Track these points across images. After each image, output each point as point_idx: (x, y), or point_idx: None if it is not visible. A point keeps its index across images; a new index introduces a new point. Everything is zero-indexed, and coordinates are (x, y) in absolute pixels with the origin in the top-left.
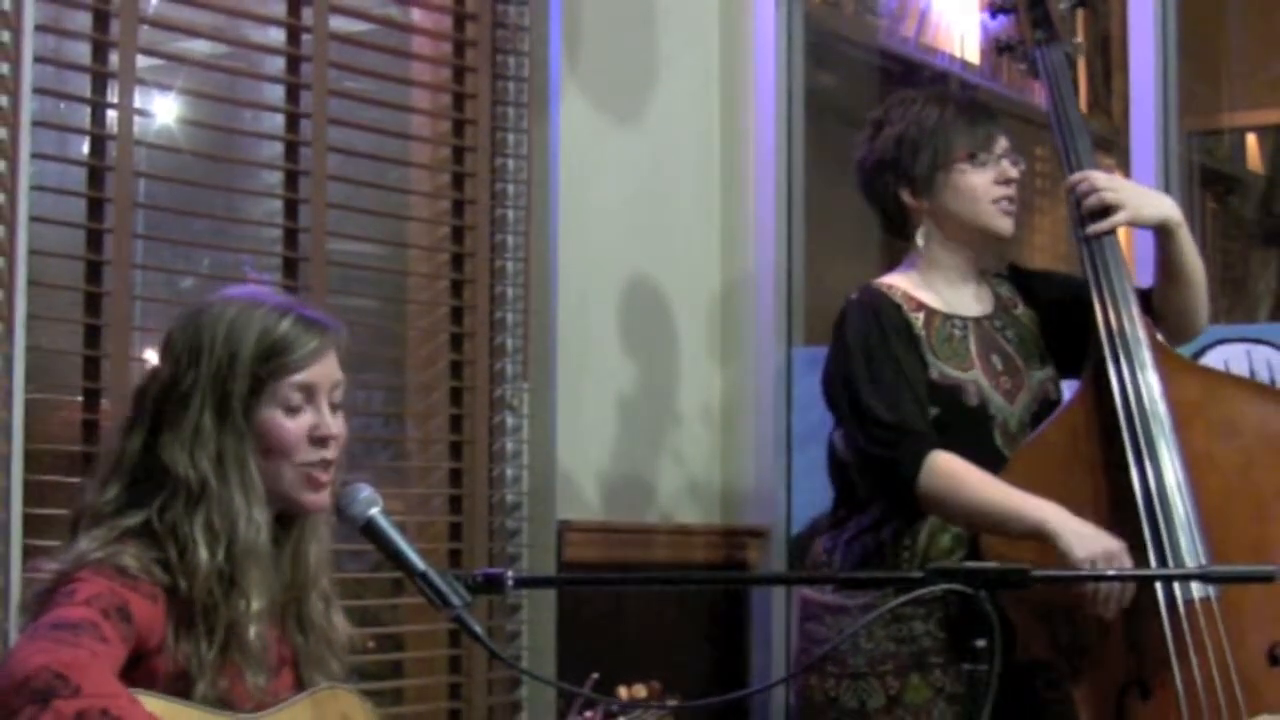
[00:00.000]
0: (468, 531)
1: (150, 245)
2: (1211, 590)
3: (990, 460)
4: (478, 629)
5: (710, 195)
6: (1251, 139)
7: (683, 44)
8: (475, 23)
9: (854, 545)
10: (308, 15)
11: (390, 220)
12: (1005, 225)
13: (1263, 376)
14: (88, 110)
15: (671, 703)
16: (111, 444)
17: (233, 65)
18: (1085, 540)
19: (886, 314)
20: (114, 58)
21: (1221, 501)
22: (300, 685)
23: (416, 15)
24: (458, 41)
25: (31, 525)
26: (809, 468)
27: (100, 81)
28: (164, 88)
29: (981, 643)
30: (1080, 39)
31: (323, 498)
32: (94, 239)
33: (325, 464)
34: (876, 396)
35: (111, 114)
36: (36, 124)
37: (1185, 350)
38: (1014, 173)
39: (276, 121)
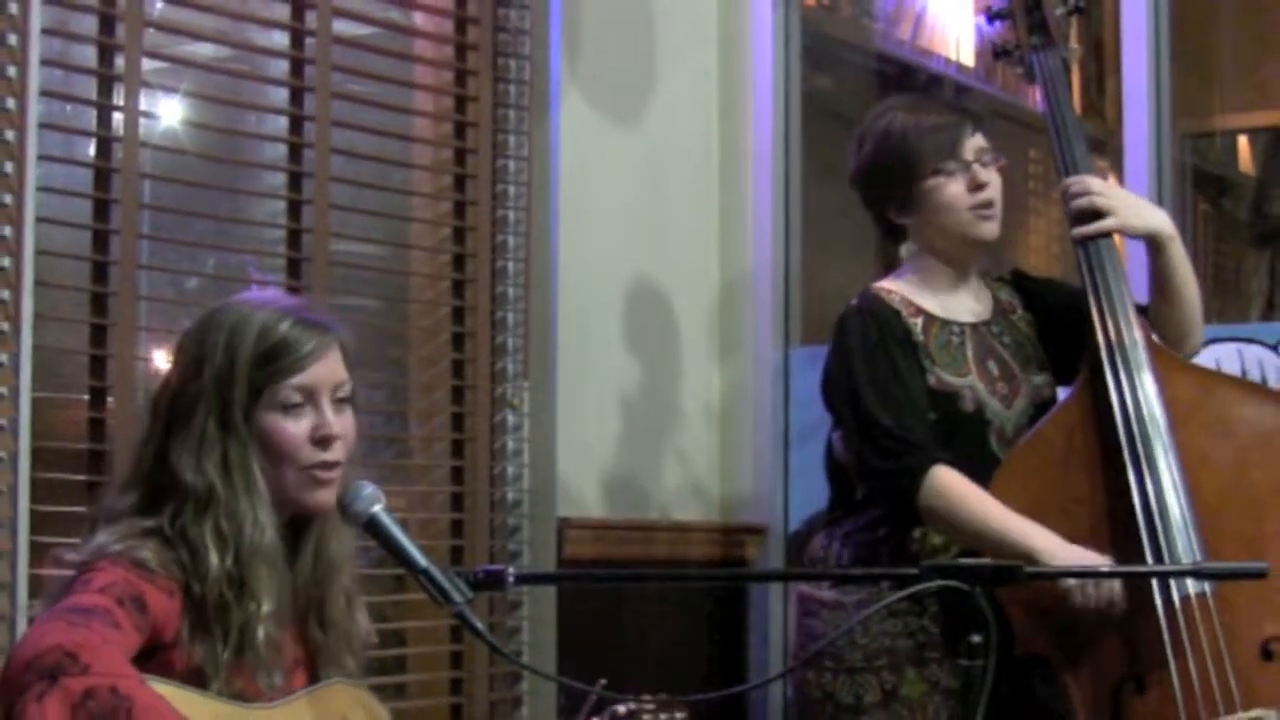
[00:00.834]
0: (469, 528)
1: (155, 246)
2: (1206, 587)
3: (986, 465)
4: (479, 625)
5: (709, 196)
6: (1243, 141)
7: (681, 47)
8: (476, 26)
9: (851, 542)
10: (311, 19)
11: (392, 221)
12: (986, 230)
13: (1254, 375)
14: (93, 113)
15: (680, 715)
16: (131, 452)
17: (237, 68)
18: (1072, 563)
19: (886, 321)
20: (119, 61)
21: (1217, 500)
22: (314, 684)
23: (418, 19)
24: (459, 45)
25: (38, 522)
26: (806, 466)
27: (106, 84)
28: (169, 90)
29: (977, 638)
30: (1075, 44)
31: (328, 497)
32: (100, 240)
33: (328, 464)
34: (880, 407)
35: (117, 116)
36: (43, 126)
37: None
38: (986, 176)
39: (280, 124)
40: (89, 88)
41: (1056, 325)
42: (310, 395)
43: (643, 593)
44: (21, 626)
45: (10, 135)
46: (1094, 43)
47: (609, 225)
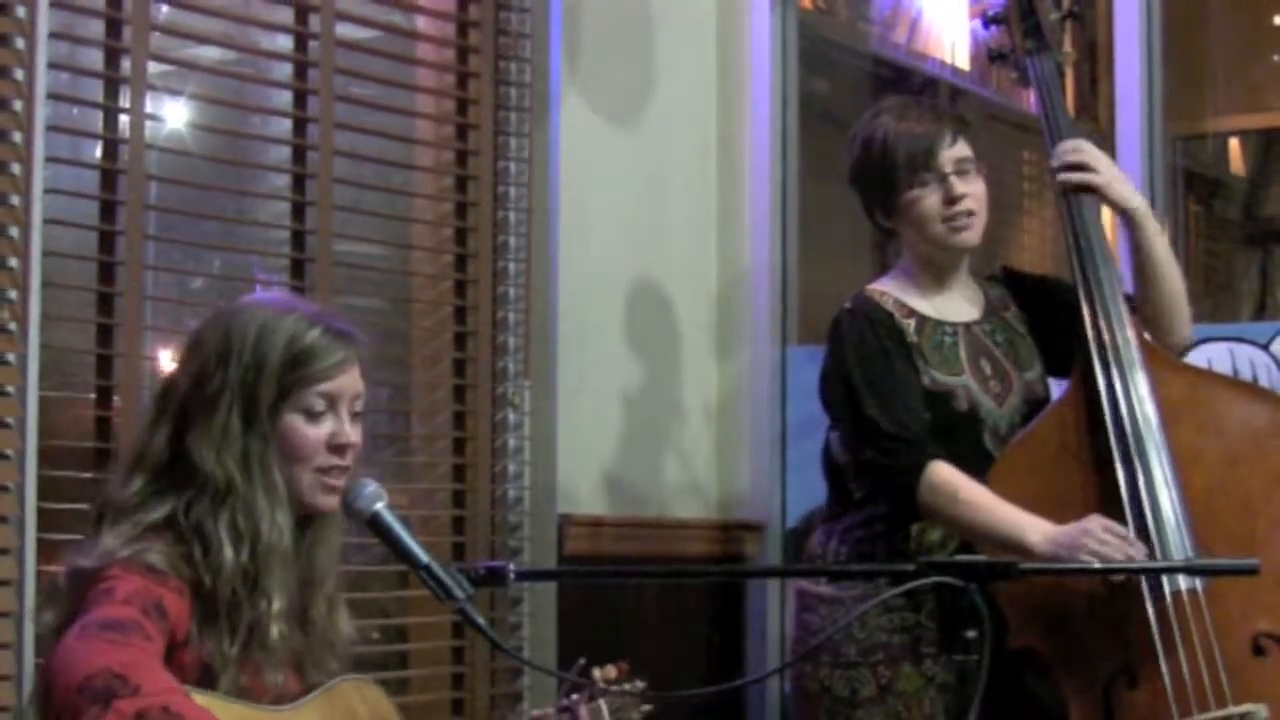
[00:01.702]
0: (470, 525)
1: (161, 247)
2: (1198, 583)
3: (981, 463)
4: (480, 620)
5: (707, 197)
6: (1234, 143)
7: (680, 50)
8: (478, 30)
9: (848, 539)
10: (315, 22)
11: (395, 222)
12: (963, 240)
13: (1245, 374)
14: (100, 115)
15: (640, 683)
16: (135, 438)
17: (241, 71)
18: (1061, 546)
19: (881, 324)
20: (126, 64)
21: (1208, 497)
22: (303, 682)
23: (421, 22)
24: (461, 48)
25: (45, 520)
26: (804, 463)
27: (112, 87)
28: (174, 93)
29: (972, 633)
30: (1069, 48)
31: (335, 501)
32: (106, 241)
33: (340, 470)
34: (877, 407)
35: (123, 119)
36: (50, 128)
37: None
38: (963, 188)
39: (284, 126)
40: (95, 91)
41: (1048, 319)
42: (333, 403)
43: (642, 589)
44: (29, 624)
45: (18, 137)
46: (1087, 46)
47: (609, 226)
